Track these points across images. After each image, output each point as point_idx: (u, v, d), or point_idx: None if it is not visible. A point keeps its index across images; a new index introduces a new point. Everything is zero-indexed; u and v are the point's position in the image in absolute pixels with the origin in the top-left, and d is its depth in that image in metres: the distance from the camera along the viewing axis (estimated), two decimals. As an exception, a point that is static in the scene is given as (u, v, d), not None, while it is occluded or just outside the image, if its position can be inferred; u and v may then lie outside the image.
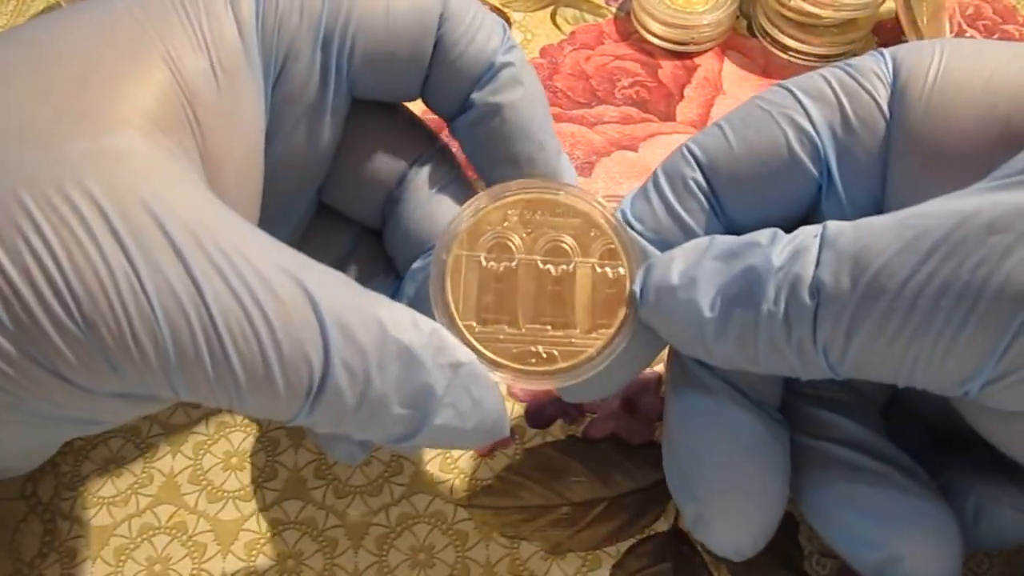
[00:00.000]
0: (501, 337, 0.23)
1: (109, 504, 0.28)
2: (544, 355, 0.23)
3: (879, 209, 0.23)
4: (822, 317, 0.20)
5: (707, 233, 0.24)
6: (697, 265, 0.22)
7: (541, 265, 0.24)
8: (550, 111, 0.27)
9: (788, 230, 0.23)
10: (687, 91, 0.38)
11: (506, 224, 0.24)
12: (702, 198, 0.24)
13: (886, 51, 0.24)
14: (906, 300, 0.19)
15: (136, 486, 0.29)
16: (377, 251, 0.29)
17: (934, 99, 0.22)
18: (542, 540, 0.28)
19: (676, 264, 0.22)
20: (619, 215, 0.25)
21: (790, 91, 0.24)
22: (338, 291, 0.21)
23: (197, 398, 0.20)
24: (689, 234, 0.24)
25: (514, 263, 0.24)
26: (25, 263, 0.18)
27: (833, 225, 0.20)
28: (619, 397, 0.30)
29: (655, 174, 0.25)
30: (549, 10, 0.41)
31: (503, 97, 0.25)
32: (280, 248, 0.21)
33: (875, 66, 0.23)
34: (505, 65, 0.25)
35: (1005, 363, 0.18)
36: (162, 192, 0.19)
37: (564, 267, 0.24)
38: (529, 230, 0.24)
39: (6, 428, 0.20)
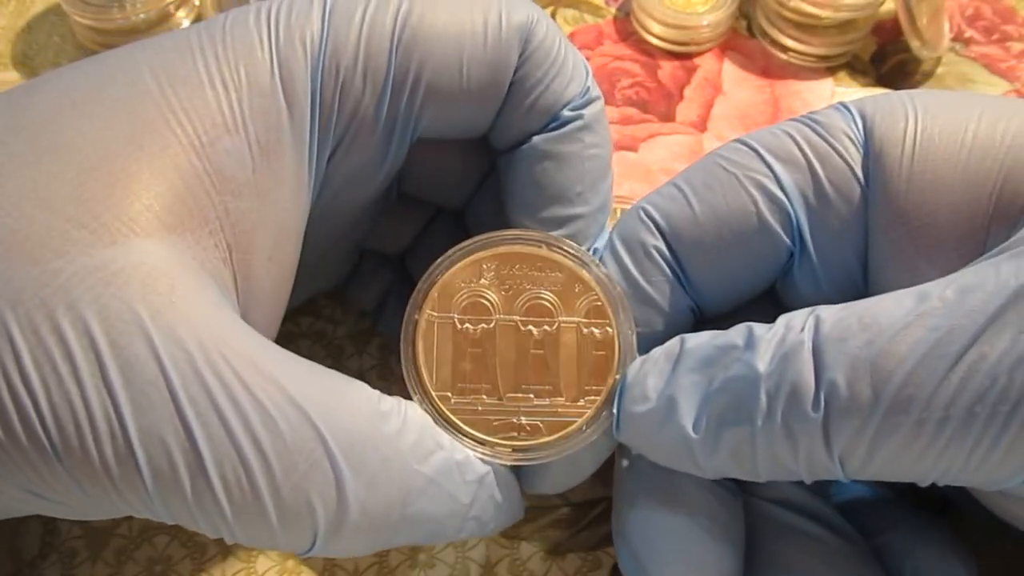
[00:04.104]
0: (479, 408, 0.22)
1: (109, 504, 0.28)
2: (528, 427, 0.22)
3: (852, 276, 0.22)
4: (837, 428, 0.18)
5: (671, 305, 0.23)
6: (672, 382, 0.20)
7: (521, 326, 0.22)
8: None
9: (756, 299, 0.22)
10: (687, 91, 0.38)
11: (482, 281, 0.22)
12: (664, 267, 0.23)
13: (851, 106, 0.23)
14: (937, 410, 0.17)
15: (136, 486, 0.29)
16: (452, 229, 0.28)
17: (916, 169, 0.21)
18: (542, 540, 0.28)
19: (650, 382, 0.21)
20: (607, 268, 0.23)
21: (756, 152, 0.23)
22: (356, 425, 0.20)
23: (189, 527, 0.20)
24: (652, 306, 0.23)
25: (491, 325, 0.22)
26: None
27: (827, 316, 0.19)
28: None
29: (610, 237, 0.23)
30: (549, 10, 0.41)
31: (557, 148, 0.23)
32: (291, 370, 0.20)
33: (844, 125, 0.22)
34: (573, 119, 0.23)
35: None
36: (162, 311, 0.18)
37: (547, 328, 0.22)
38: (507, 287, 0.22)
39: None
